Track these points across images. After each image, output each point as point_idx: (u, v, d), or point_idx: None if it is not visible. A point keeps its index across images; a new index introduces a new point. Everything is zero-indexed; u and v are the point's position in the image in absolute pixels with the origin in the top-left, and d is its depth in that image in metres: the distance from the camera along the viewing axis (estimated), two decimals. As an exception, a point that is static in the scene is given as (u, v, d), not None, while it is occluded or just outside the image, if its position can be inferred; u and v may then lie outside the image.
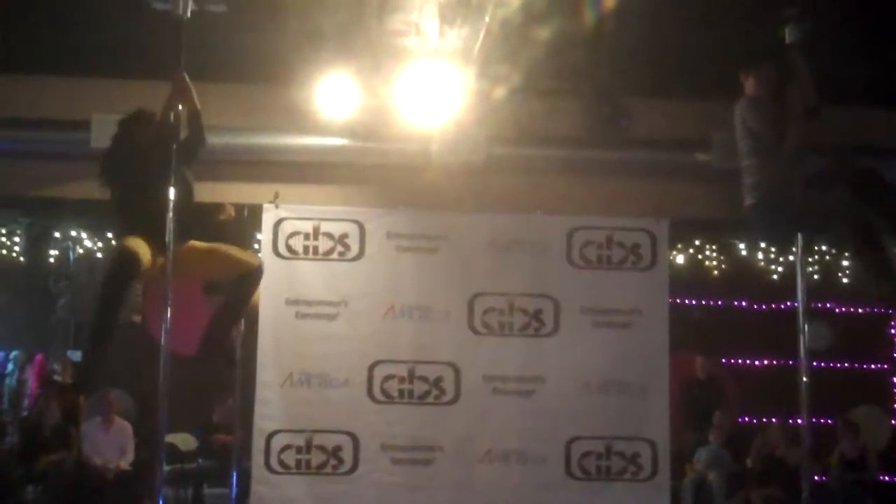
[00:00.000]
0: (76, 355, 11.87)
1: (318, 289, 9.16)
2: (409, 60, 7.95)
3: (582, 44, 7.37)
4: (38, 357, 11.58)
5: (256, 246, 9.28)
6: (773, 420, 10.78)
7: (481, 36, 7.28)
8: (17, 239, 11.63)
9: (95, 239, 11.71)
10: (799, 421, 6.29)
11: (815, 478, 8.43)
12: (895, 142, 8.73)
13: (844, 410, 11.19)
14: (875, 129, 8.75)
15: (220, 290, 7.01)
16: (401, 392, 9.15)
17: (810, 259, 11.33)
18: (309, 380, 9.06)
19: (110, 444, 9.96)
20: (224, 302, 6.74)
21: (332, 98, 8.35)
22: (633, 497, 9.17)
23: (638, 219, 9.39)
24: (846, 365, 12.41)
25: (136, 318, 11.67)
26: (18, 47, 8.25)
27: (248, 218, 9.11)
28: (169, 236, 5.84)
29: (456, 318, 9.23)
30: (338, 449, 9.03)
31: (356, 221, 9.27)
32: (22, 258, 11.89)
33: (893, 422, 12.36)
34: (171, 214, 5.83)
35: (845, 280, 12.52)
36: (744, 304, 12.92)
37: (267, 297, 8.77)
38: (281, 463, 8.97)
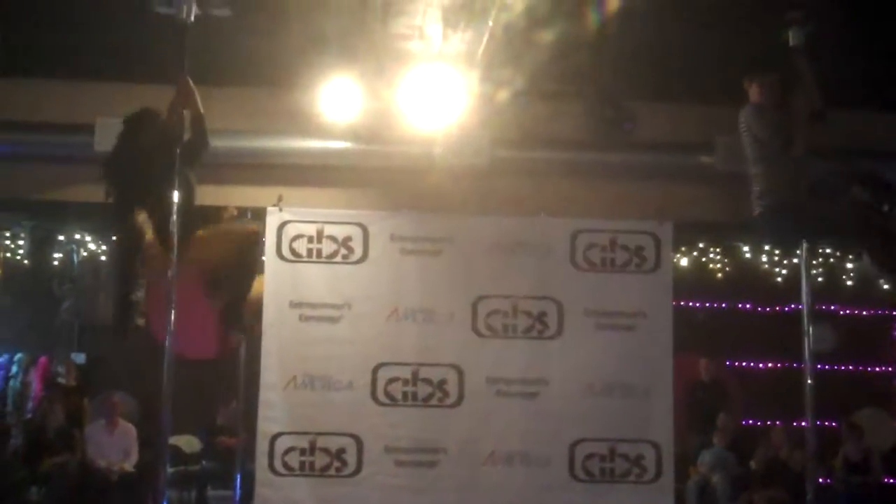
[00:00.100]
0: (80, 358, 11.90)
1: (322, 291, 9.17)
2: (413, 64, 7.96)
3: (585, 47, 7.38)
4: (42, 359, 11.59)
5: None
6: (777, 422, 10.76)
7: (485, 39, 7.30)
8: (21, 242, 11.65)
9: (99, 242, 11.72)
10: (803, 423, 6.28)
11: (819, 480, 8.41)
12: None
13: (848, 413, 11.18)
14: (876, 133, 8.76)
15: (221, 285, 6.94)
16: (404, 394, 9.16)
17: (814, 261, 11.32)
18: (312, 382, 9.06)
19: (114, 446, 9.96)
20: (230, 279, 6.66)
21: (336, 101, 8.37)
22: (636, 499, 9.16)
23: (641, 221, 9.38)
24: (850, 367, 12.39)
25: (140, 322, 11.68)
26: (23, 51, 8.27)
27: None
28: (173, 239, 5.85)
29: (459, 320, 9.23)
30: (341, 451, 9.03)
31: (360, 224, 9.27)
32: (26, 261, 11.91)
33: (897, 424, 12.35)
34: (174, 217, 5.83)
35: (850, 282, 12.51)
36: (748, 306, 12.91)
37: (271, 299, 8.79)
38: (285, 465, 8.98)
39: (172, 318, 5.74)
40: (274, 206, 9.11)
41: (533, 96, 8.48)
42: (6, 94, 8.88)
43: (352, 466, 9.02)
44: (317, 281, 9.18)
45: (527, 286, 9.32)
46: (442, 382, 9.18)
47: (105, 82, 8.36)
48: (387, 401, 9.12)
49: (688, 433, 10.44)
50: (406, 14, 7.18)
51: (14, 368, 11.49)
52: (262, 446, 8.95)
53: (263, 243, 8.65)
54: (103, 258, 11.79)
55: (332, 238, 9.23)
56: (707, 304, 12.80)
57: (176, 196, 5.80)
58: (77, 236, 11.69)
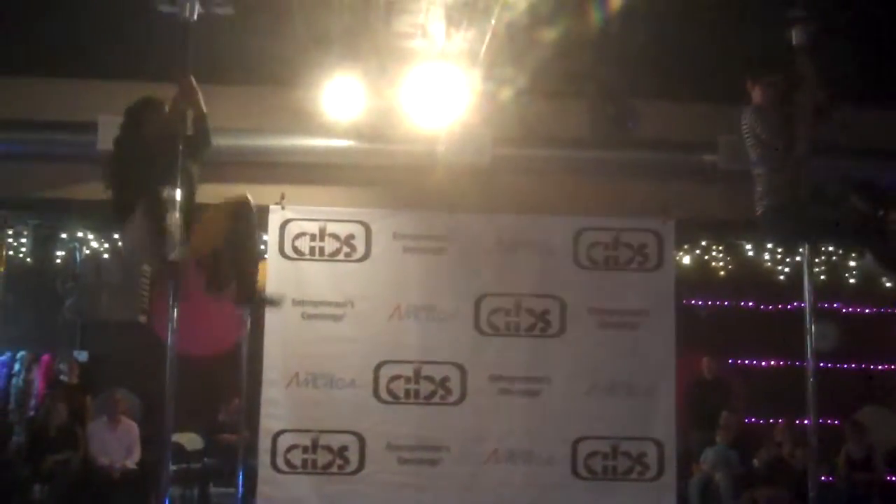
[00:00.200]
0: (82, 355, 11.91)
1: (325, 289, 9.19)
2: (416, 62, 7.96)
3: (588, 46, 7.38)
4: (45, 357, 11.60)
5: (263, 247, 9.28)
6: (780, 420, 10.74)
7: (487, 38, 7.29)
8: (24, 240, 11.64)
9: (102, 240, 11.72)
10: (805, 421, 6.27)
11: (822, 478, 8.40)
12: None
13: (851, 411, 11.17)
14: (880, 131, 8.76)
15: (224, 267, 6.73)
16: (407, 392, 9.18)
17: (817, 259, 11.30)
18: (315, 380, 9.08)
19: (116, 443, 9.96)
20: (231, 251, 6.45)
21: (339, 100, 8.37)
22: (639, 497, 9.19)
23: (644, 219, 9.40)
24: (853, 365, 12.38)
25: (143, 319, 11.70)
26: (26, 49, 8.28)
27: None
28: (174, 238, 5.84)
29: (462, 318, 9.25)
30: (344, 449, 9.06)
31: (362, 222, 9.29)
32: (29, 259, 11.91)
33: (900, 422, 12.33)
34: (177, 214, 5.82)
35: (852, 280, 12.49)
36: (750, 304, 12.90)
37: (273, 297, 8.79)
38: (287, 462, 9.01)
39: (175, 316, 5.71)
40: (276, 204, 9.14)
41: (535, 95, 8.48)
42: (9, 93, 8.89)
43: (354, 464, 9.05)
44: (319, 279, 9.20)
45: (529, 284, 9.34)
46: (444, 380, 9.21)
47: (108, 81, 8.36)
48: (389, 399, 9.14)
49: (690, 431, 10.44)
50: (409, 12, 7.17)
51: (17, 366, 11.50)
52: (264, 444, 8.98)
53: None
54: (106, 256, 11.78)
55: (335, 236, 9.26)
56: (710, 302, 12.79)
57: (178, 193, 5.78)
58: (80, 234, 11.68)
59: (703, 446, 10.30)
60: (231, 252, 6.09)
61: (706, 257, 12.45)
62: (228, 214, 6.12)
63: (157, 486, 6.20)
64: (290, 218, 9.18)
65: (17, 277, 11.86)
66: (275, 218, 9.15)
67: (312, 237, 9.22)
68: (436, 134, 8.71)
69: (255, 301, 6.87)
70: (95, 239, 11.75)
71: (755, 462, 10.28)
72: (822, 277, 11.87)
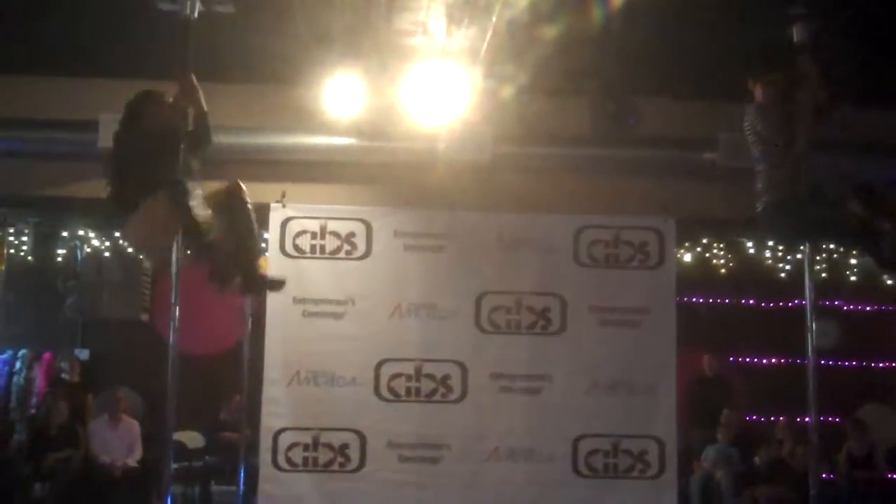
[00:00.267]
0: (84, 354, 11.91)
1: (325, 287, 9.19)
2: (416, 60, 7.96)
3: (589, 43, 7.37)
4: (46, 355, 11.59)
5: (263, 245, 9.28)
6: (781, 418, 10.74)
7: (488, 35, 7.29)
8: (25, 238, 11.65)
9: (103, 238, 11.72)
10: (807, 419, 6.27)
11: (823, 476, 8.40)
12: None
13: (852, 409, 11.17)
14: (881, 128, 8.76)
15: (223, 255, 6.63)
16: (408, 390, 9.18)
17: (818, 257, 11.30)
18: (316, 378, 9.08)
19: (118, 441, 9.96)
20: (232, 243, 6.33)
21: (339, 98, 8.37)
22: (640, 495, 9.19)
23: (645, 217, 9.40)
24: (854, 363, 12.38)
25: (144, 317, 11.71)
26: (26, 48, 8.28)
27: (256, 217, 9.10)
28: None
29: (463, 316, 9.26)
30: (345, 447, 9.06)
31: (363, 220, 9.30)
32: (30, 257, 11.91)
33: (902, 420, 12.33)
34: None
35: (853, 278, 12.49)
36: (751, 302, 12.89)
37: (274, 295, 8.77)
38: (288, 461, 9.01)
39: (177, 314, 5.71)
40: (277, 202, 9.13)
41: (536, 92, 8.47)
42: (9, 91, 8.89)
43: (355, 462, 9.05)
44: (320, 277, 9.20)
45: (530, 282, 9.33)
46: (445, 378, 9.21)
47: (109, 79, 8.35)
48: (390, 396, 9.15)
49: (691, 429, 10.44)
50: (410, 10, 7.18)
51: (18, 364, 11.49)
52: (265, 442, 8.98)
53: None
54: (107, 254, 11.79)
55: (336, 234, 9.26)
56: (710, 300, 12.77)
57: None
58: (81, 233, 11.69)
59: (704, 444, 10.30)
60: (232, 244, 6.04)
61: (707, 255, 12.44)
62: (218, 205, 6.02)
63: (159, 484, 6.21)
64: (290, 216, 9.18)
65: (18, 276, 11.87)
66: (276, 216, 9.15)
67: (313, 235, 9.22)
68: (436, 132, 8.71)
69: (261, 290, 6.81)
70: (96, 237, 11.76)
71: (756, 460, 10.29)
72: (823, 275, 11.87)
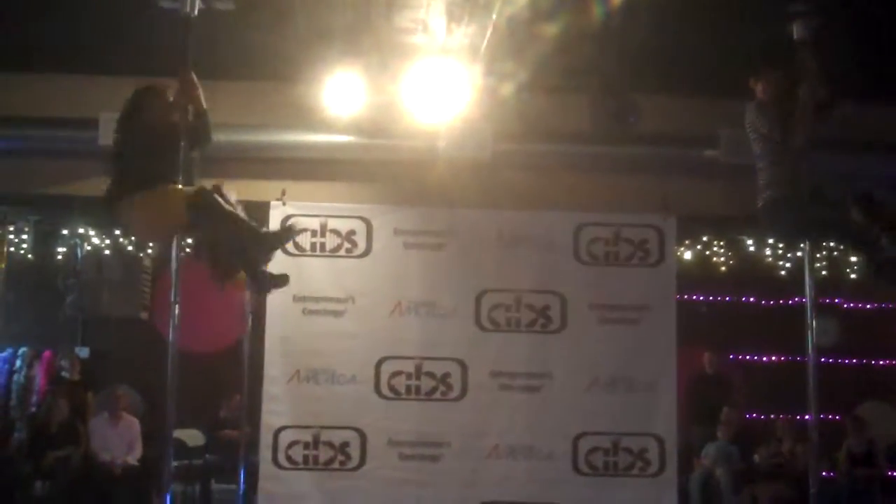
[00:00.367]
0: (84, 352, 11.90)
1: (326, 285, 9.20)
2: (417, 58, 7.97)
3: (589, 40, 7.37)
4: (47, 354, 11.58)
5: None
6: (781, 416, 10.74)
7: (488, 33, 7.30)
8: (25, 236, 11.64)
9: (103, 236, 11.71)
10: (807, 417, 6.27)
11: (823, 474, 8.40)
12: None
13: (852, 406, 11.17)
14: (882, 125, 8.75)
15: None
16: (408, 388, 9.18)
17: (818, 254, 11.29)
18: (316, 376, 9.09)
19: (118, 439, 9.96)
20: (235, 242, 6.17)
21: (340, 95, 8.38)
22: (640, 492, 9.20)
23: (645, 215, 9.40)
24: (854, 361, 12.38)
25: (144, 315, 11.71)
26: (26, 45, 8.27)
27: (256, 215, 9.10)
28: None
29: (463, 314, 9.26)
30: (345, 445, 9.07)
31: (363, 218, 9.30)
32: (30, 255, 11.90)
33: (901, 417, 12.33)
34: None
35: (853, 276, 12.48)
36: (751, 299, 12.89)
37: (274, 293, 8.73)
38: (288, 459, 9.01)
39: (177, 311, 5.70)
40: (277, 200, 9.13)
41: (536, 90, 8.47)
42: (10, 89, 8.89)
43: (355, 460, 9.05)
44: (320, 275, 9.20)
45: (530, 280, 9.34)
46: (445, 376, 9.21)
47: (109, 77, 8.34)
48: (390, 394, 9.15)
49: (691, 427, 10.44)
50: (410, 8, 7.18)
51: (18, 363, 11.48)
52: (265, 440, 8.99)
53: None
54: (107, 252, 11.78)
55: (336, 232, 9.26)
56: (710, 298, 12.77)
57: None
58: (81, 231, 11.67)
59: (704, 442, 10.31)
60: (236, 242, 5.95)
61: (707, 252, 12.44)
62: (193, 205, 5.77)
63: (159, 482, 6.21)
64: (291, 214, 9.16)
65: (18, 274, 11.87)
66: (276, 214, 9.14)
67: (313, 233, 9.22)
68: (436, 129, 8.71)
69: (265, 289, 6.72)
70: (97, 235, 11.75)
71: (756, 458, 10.29)
72: (824, 273, 11.86)
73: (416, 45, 7.82)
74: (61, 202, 9.91)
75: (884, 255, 5.88)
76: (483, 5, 6.93)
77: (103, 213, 6.15)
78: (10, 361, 11.50)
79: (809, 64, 6.00)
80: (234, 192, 5.98)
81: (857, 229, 5.93)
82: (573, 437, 9.17)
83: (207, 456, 10.62)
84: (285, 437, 9.03)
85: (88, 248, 11.89)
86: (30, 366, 11.50)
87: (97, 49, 8.11)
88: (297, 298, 9.08)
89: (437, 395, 9.21)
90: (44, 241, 11.82)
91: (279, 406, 9.05)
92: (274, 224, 9.12)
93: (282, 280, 6.29)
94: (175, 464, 7.95)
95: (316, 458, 9.05)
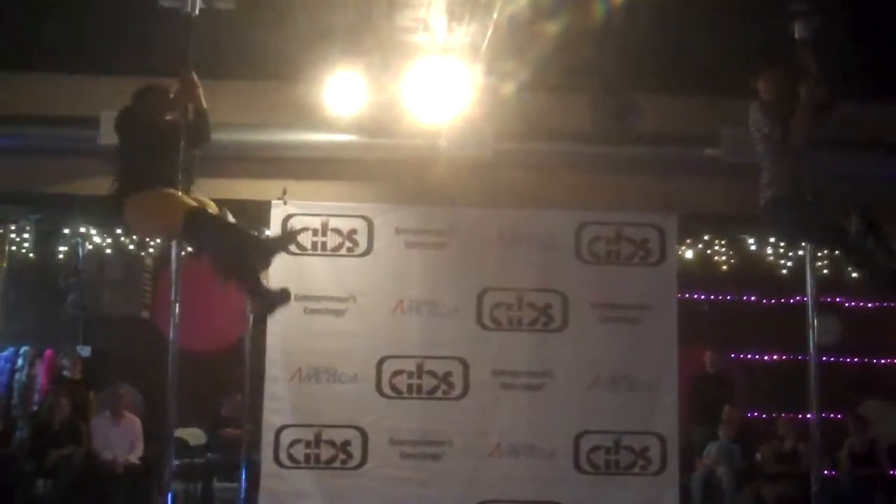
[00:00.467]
0: (85, 351, 11.92)
1: (327, 284, 9.19)
2: (418, 57, 7.96)
3: (590, 39, 7.37)
4: (48, 352, 11.60)
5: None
6: (783, 415, 10.74)
7: (489, 32, 7.29)
8: (26, 235, 11.65)
9: (104, 235, 11.72)
10: (808, 416, 6.28)
11: (825, 473, 8.40)
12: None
13: (854, 405, 11.17)
14: (883, 125, 8.75)
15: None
16: (409, 387, 9.18)
17: (820, 253, 11.29)
18: (318, 375, 9.09)
19: (120, 438, 9.98)
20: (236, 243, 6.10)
21: (341, 94, 8.38)
22: (641, 491, 9.19)
23: (646, 214, 9.39)
24: (856, 359, 12.38)
25: (145, 314, 11.72)
26: (27, 45, 8.28)
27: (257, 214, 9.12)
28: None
29: (464, 313, 9.25)
30: (346, 444, 9.07)
31: (364, 217, 9.29)
32: (31, 254, 11.92)
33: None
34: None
35: (855, 274, 12.48)
36: (753, 298, 12.89)
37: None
38: (290, 457, 9.01)
39: (177, 310, 5.71)
40: (279, 199, 9.13)
41: (537, 89, 8.47)
42: (11, 88, 8.89)
43: (357, 459, 9.05)
44: (321, 274, 9.20)
45: (532, 279, 9.34)
46: (447, 375, 9.21)
47: (110, 76, 8.35)
48: (392, 393, 9.15)
49: (693, 425, 10.45)
50: (411, 7, 7.17)
51: (20, 361, 11.50)
52: (267, 438, 8.99)
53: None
54: (108, 251, 11.80)
55: (337, 231, 9.26)
56: (712, 297, 12.77)
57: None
58: (82, 229, 11.69)
59: (706, 441, 10.32)
60: (236, 251, 5.94)
61: (709, 251, 12.44)
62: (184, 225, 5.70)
63: (161, 480, 6.22)
64: (292, 213, 9.18)
65: (19, 273, 11.88)
66: (277, 213, 9.15)
67: (315, 232, 9.22)
68: (438, 128, 8.71)
69: (268, 309, 6.58)
70: (98, 234, 11.76)
71: (758, 456, 10.30)
72: (825, 271, 11.86)
73: (417, 45, 7.82)
74: (63, 201, 9.92)
75: (876, 264, 5.88)
76: (484, 4, 6.93)
77: (106, 212, 6.18)
78: (12, 360, 11.52)
79: (810, 63, 6.01)
80: (230, 216, 5.92)
81: (854, 243, 5.93)
82: (575, 435, 9.17)
83: (209, 454, 10.64)
84: (287, 436, 9.03)
85: (90, 247, 11.91)
86: (31, 365, 11.52)
87: (98, 48, 8.11)
88: (299, 297, 9.03)
89: (439, 393, 9.21)
90: (45, 239, 11.84)
91: (280, 405, 9.05)
92: (275, 222, 9.16)
93: (284, 296, 6.20)
94: (176, 462, 7.98)
95: (317, 457, 9.05)
